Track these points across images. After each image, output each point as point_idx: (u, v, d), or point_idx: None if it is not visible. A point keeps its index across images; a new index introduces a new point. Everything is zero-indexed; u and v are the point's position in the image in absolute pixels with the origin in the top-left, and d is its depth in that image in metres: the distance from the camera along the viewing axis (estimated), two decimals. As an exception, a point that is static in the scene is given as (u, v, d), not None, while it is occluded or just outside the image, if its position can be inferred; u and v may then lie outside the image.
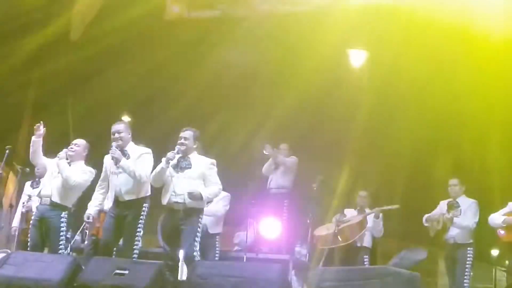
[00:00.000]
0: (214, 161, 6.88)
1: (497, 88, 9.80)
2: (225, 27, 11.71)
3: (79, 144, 7.41)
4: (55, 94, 12.98)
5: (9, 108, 12.34)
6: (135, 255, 6.77)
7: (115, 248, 6.92)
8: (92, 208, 7.00)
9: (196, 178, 6.69)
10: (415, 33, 10.23)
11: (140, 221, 6.81)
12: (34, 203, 7.88)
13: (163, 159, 6.71)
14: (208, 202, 7.31)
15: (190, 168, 6.70)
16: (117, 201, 6.82)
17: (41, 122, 7.34)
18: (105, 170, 6.99)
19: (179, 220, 6.61)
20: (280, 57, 11.08)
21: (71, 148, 7.35)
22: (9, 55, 12.30)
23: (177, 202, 6.63)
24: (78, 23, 13.27)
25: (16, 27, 12.14)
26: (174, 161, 6.69)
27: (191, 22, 12.32)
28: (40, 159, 7.44)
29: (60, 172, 7.16)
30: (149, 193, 6.96)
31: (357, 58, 11.48)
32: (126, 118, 12.76)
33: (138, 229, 6.81)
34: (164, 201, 6.79)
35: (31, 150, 7.35)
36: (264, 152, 9.75)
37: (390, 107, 10.70)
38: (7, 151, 7.69)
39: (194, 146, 6.85)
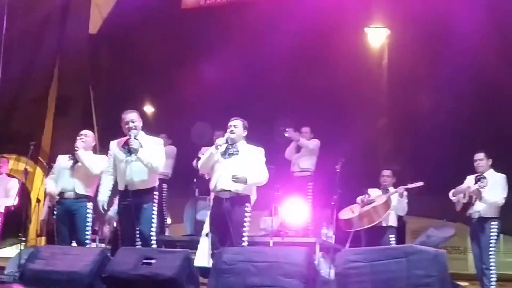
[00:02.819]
0: (262, 149, 6.83)
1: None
2: (240, 12, 11.68)
3: (89, 135, 7.50)
4: (77, 88, 13.11)
5: (32, 104, 12.50)
6: (153, 242, 6.80)
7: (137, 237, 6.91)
8: (104, 195, 6.89)
9: (243, 165, 6.62)
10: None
11: (154, 209, 6.81)
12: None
13: (212, 147, 6.73)
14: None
15: (237, 154, 6.67)
16: (126, 190, 6.76)
17: None
18: (112, 157, 6.93)
19: (226, 208, 6.56)
20: (298, 38, 11.01)
21: (82, 138, 7.42)
22: (31, 51, 12.45)
23: (223, 190, 6.61)
24: (97, 16, 13.37)
25: (36, 21, 12.28)
26: (222, 148, 6.65)
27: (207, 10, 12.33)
28: None
29: (81, 163, 7.24)
30: (157, 183, 7.00)
31: (377, 36, 11.40)
32: (148, 109, 12.87)
33: (153, 217, 6.81)
34: (211, 188, 6.80)
35: None
36: (286, 135, 9.74)
37: (411, 85, 10.60)
38: (31, 147, 7.75)
39: (243, 135, 6.82)
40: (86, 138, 7.45)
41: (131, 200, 6.69)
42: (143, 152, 6.72)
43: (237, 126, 6.78)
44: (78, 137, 7.43)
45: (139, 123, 6.90)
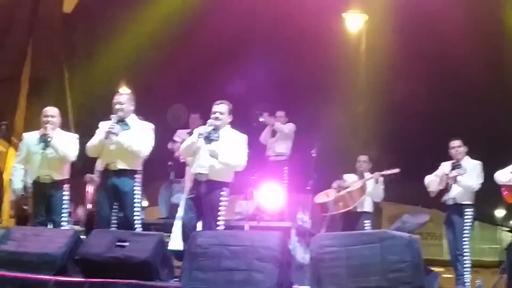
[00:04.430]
0: (245, 136, 6.75)
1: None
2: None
3: (54, 114, 7.25)
4: (51, 68, 12.93)
5: (5, 84, 12.31)
6: (138, 226, 6.73)
7: (116, 220, 6.84)
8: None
9: (221, 149, 6.52)
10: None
11: (136, 193, 6.73)
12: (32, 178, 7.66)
13: (194, 134, 6.64)
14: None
15: (217, 140, 6.55)
16: (107, 170, 6.71)
17: None
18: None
19: (202, 191, 6.52)
20: (276, 23, 10.96)
21: (50, 121, 7.14)
22: (3, 30, 12.25)
23: (200, 173, 6.55)
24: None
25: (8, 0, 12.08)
26: (205, 134, 6.55)
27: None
28: None
29: (56, 153, 7.03)
30: (140, 166, 6.87)
31: (355, 22, 11.36)
32: (125, 90, 12.73)
33: (136, 202, 6.73)
34: (191, 171, 6.73)
35: None
36: (261, 119, 9.71)
37: (389, 71, 10.63)
38: (3, 127, 7.60)
39: (228, 120, 6.72)
40: (53, 119, 7.17)
41: (111, 180, 6.64)
42: (123, 135, 6.62)
43: (223, 112, 6.65)
44: (44, 118, 7.14)
45: (128, 105, 6.79)
